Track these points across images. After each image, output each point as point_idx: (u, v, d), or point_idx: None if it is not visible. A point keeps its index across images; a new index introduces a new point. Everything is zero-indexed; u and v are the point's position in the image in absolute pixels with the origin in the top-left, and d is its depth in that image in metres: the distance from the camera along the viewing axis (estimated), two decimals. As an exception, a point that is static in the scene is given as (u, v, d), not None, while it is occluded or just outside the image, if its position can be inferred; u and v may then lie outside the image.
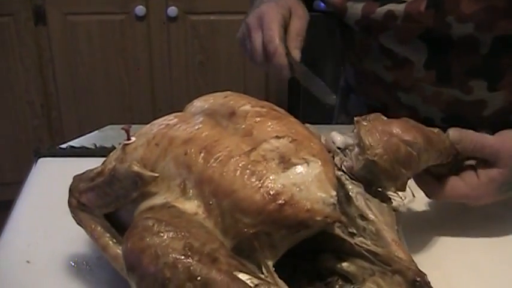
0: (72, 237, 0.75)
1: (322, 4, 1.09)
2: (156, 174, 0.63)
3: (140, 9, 2.19)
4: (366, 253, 0.61)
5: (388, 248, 0.62)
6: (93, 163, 0.73)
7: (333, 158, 0.71)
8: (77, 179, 0.71)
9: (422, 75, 1.02)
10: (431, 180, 0.76)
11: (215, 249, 0.56)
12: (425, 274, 0.59)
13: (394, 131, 0.70)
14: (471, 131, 0.76)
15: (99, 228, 0.68)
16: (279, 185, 0.58)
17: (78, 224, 0.70)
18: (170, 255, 0.55)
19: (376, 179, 0.69)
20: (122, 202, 0.66)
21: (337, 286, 0.62)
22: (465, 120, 0.85)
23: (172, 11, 2.21)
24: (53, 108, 2.33)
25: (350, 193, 0.67)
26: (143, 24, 2.23)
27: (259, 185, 0.58)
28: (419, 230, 0.79)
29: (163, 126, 0.66)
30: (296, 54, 0.94)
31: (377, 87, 1.10)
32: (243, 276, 0.54)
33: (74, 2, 2.19)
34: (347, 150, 0.71)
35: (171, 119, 0.67)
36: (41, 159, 0.94)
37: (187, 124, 0.65)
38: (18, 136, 2.34)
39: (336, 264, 0.62)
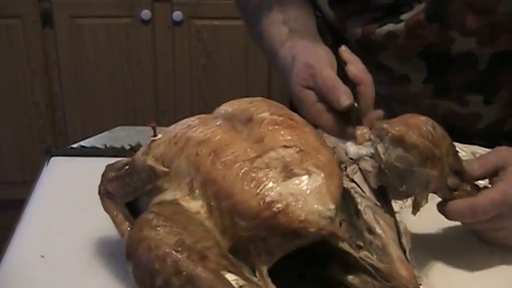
0: (85, 234, 0.78)
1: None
2: (167, 170, 0.65)
3: (146, 14, 2.22)
4: (369, 267, 0.62)
5: (392, 265, 0.63)
6: (103, 163, 0.76)
7: (345, 168, 0.71)
8: (108, 168, 0.74)
9: (420, 89, 1.03)
10: (461, 200, 0.73)
11: (207, 247, 0.58)
12: None
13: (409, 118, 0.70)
14: None
15: (120, 216, 0.71)
16: (276, 193, 0.59)
17: (104, 210, 0.73)
18: (162, 249, 0.58)
19: (402, 171, 0.67)
20: (138, 193, 0.69)
21: (340, 297, 0.62)
22: (459, 132, 0.86)
23: (178, 15, 2.23)
24: (57, 110, 2.34)
25: (359, 206, 0.67)
26: (148, 28, 2.25)
27: (257, 191, 0.59)
28: (424, 243, 0.78)
29: (185, 126, 0.68)
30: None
31: None
32: (230, 277, 0.56)
33: (81, 5, 2.21)
34: (370, 149, 0.70)
35: (193, 120, 0.69)
36: (52, 158, 0.97)
37: (205, 126, 0.67)
38: (22, 136, 2.35)
39: (343, 276, 0.63)
